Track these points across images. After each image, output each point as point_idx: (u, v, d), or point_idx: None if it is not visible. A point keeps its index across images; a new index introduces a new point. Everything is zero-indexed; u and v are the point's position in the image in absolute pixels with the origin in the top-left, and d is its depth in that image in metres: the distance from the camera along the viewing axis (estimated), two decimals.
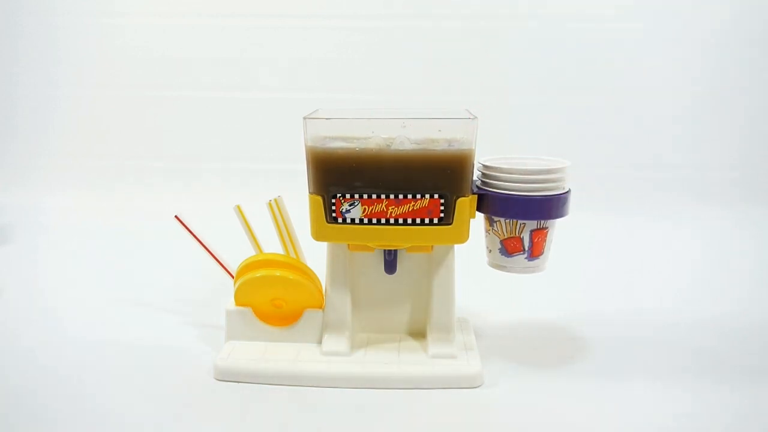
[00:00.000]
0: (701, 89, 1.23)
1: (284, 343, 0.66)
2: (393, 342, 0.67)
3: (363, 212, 0.59)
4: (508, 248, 0.62)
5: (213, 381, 0.62)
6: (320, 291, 0.66)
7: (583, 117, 1.24)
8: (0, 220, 1.15)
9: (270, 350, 0.65)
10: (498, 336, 0.72)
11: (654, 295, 0.86)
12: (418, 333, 0.68)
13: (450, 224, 0.59)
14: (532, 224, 0.61)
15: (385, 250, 0.63)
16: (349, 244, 0.64)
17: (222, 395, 0.59)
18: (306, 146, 0.59)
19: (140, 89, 1.27)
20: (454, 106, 0.65)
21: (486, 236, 0.64)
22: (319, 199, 0.59)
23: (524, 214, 0.60)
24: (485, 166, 0.62)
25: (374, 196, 0.58)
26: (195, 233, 0.68)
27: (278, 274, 0.64)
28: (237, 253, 0.68)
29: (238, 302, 0.66)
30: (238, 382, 0.61)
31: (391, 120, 0.58)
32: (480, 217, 0.63)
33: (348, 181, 0.58)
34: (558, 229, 0.63)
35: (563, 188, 0.61)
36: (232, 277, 0.67)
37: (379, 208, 0.59)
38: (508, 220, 0.61)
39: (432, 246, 0.63)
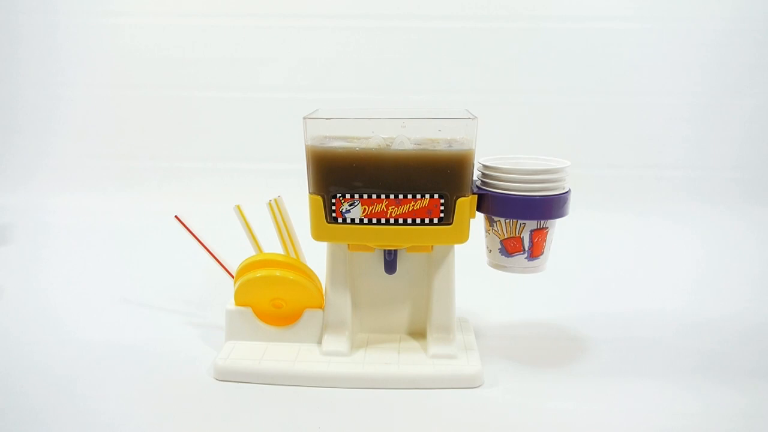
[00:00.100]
0: (702, 89, 1.23)
1: (284, 343, 0.66)
2: (393, 342, 0.67)
3: (363, 212, 0.59)
4: (508, 248, 0.62)
5: (213, 381, 0.62)
6: (320, 291, 0.66)
7: (583, 117, 1.24)
8: (0, 221, 1.15)
9: (270, 350, 0.65)
10: (498, 336, 0.72)
11: (654, 295, 0.86)
12: (418, 333, 0.68)
13: (450, 224, 0.59)
14: (532, 224, 0.61)
15: (385, 250, 0.63)
16: (349, 244, 0.64)
17: (222, 395, 0.59)
18: (306, 146, 0.59)
19: (141, 89, 1.27)
20: (454, 106, 0.65)
21: (486, 236, 0.64)
22: (319, 199, 0.59)
23: (524, 214, 0.60)
24: (485, 166, 0.62)
25: (374, 196, 0.58)
26: (195, 233, 0.68)
27: (278, 274, 0.64)
28: (237, 253, 0.68)
29: (238, 302, 0.66)
30: (238, 382, 0.61)
31: (391, 120, 0.58)
32: (480, 217, 0.63)
33: (348, 181, 0.58)
34: (558, 229, 0.63)
35: (563, 188, 0.61)
36: (232, 277, 0.67)
37: (379, 208, 0.59)
38: (508, 220, 0.61)
39: (432, 246, 0.63)
